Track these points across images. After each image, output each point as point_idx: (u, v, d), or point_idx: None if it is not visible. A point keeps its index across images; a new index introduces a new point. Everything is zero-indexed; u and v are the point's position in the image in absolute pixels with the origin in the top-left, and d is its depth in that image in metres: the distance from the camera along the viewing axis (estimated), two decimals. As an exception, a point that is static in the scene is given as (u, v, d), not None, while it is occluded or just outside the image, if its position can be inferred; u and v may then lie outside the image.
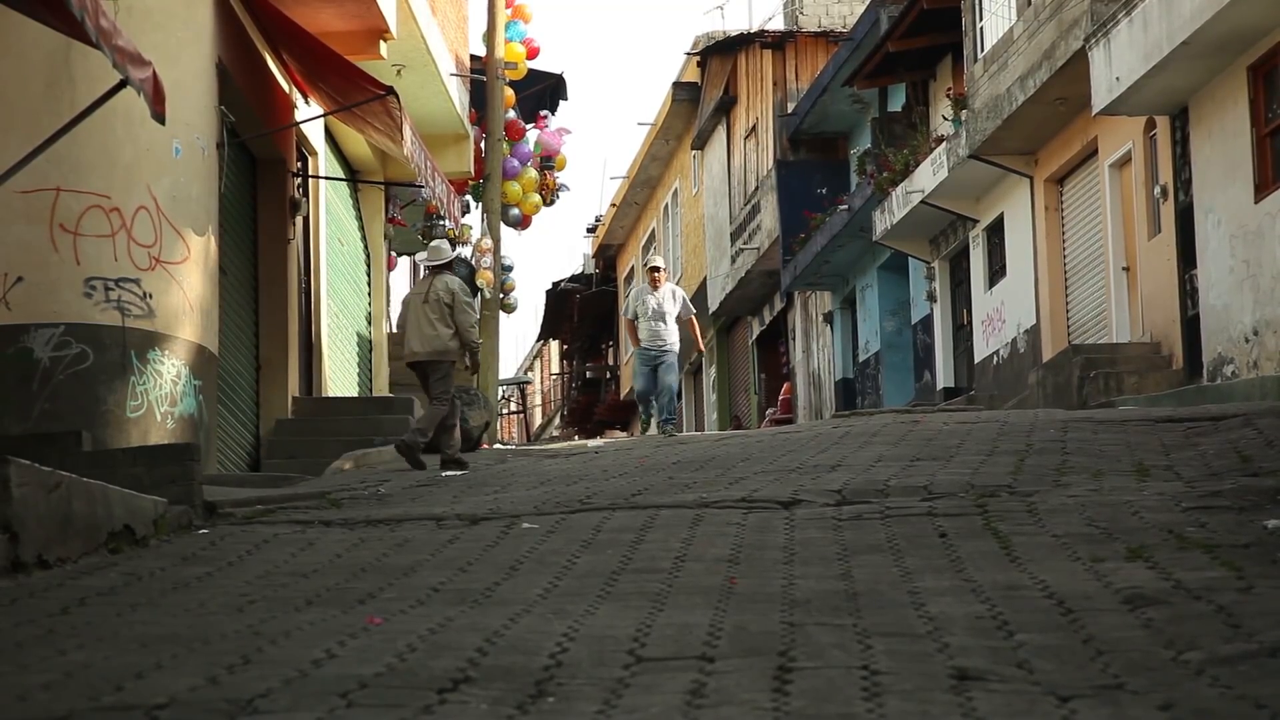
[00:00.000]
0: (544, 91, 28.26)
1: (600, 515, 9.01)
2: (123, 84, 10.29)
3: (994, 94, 23.65)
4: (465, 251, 25.29)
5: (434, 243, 15.90)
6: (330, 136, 20.47)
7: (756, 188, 35.61)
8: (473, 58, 24.86)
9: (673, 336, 18.98)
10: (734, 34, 37.37)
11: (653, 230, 46.31)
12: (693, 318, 19.56)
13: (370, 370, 22.47)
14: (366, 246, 22.79)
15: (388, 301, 23.90)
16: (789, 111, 34.14)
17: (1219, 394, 17.33)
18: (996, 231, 26.17)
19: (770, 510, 8.94)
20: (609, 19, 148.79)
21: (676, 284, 25.47)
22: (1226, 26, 17.57)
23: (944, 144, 25.79)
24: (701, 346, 21.66)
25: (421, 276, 15.98)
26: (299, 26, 16.46)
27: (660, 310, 18.96)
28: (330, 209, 20.33)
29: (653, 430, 19.02)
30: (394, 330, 15.30)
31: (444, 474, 13.42)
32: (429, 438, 14.30)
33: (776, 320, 37.05)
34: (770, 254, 34.37)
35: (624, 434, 47.34)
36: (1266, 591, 5.84)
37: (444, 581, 6.72)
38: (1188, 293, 19.93)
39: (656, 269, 19.56)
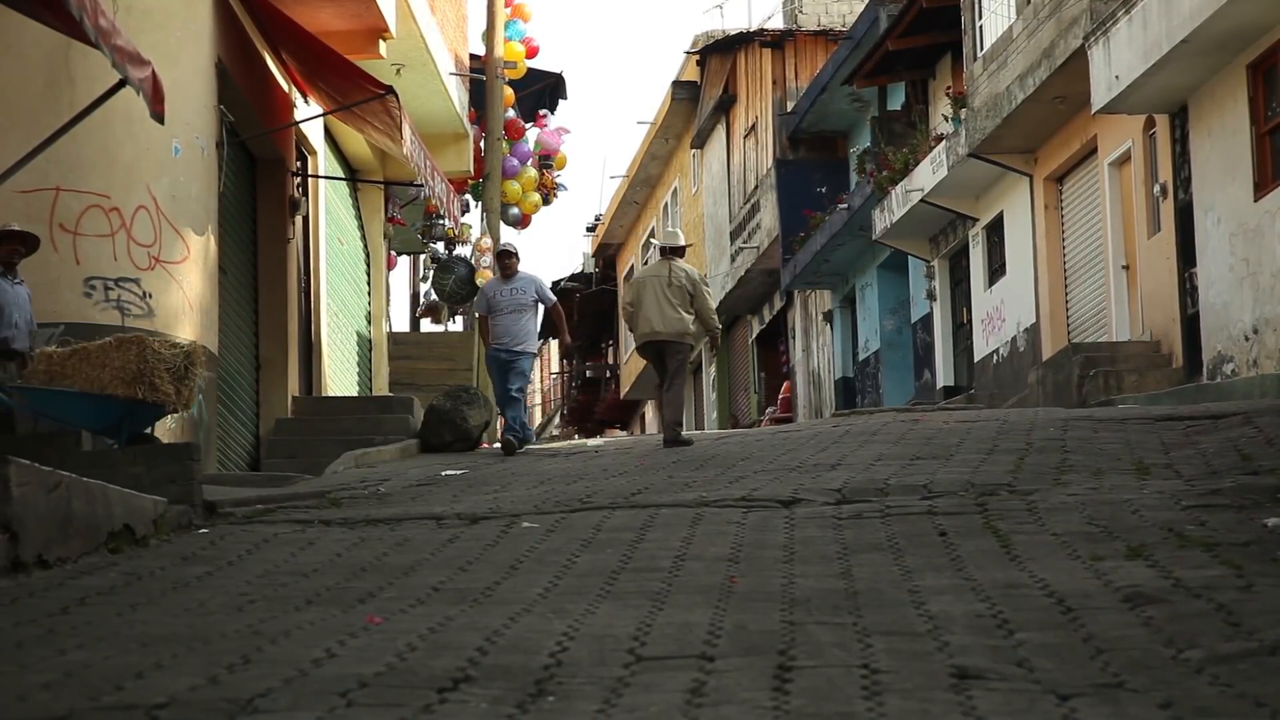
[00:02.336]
0: (543, 90, 28.27)
1: (600, 514, 9.01)
2: (122, 84, 10.30)
3: (993, 92, 23.65)
4: (465, 251, 25.31)
5: (670, 228, 16.45)
6: (330, 136, 20.47)
7: (756, 187, 35.61)
8: (472, 57, 24.87)
9: (530, 334, 16.55)
10: (733, 33, 37.36)
11: (652, 229, 46.32)
12: (556, 306, 17.34)
13: (370, 370, 22.47)
14: (366, 246, 22.80)
15: (388, 301, 23.92)
16: (788, 110, 34.14)
17: (1219, 392, 17.32)
18: (996, 230, 26.17)
19: (770, 509, 8.94)
20: (609, 18, 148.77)
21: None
22: (1226, 24, 17.56)
23: (943, 142, 25.79)
24: (568, 338, 18.56)
25: (652, 260, 16.40)
26: (298, 26, 16.47)
27: (515, 302, 16.42)
28: (330, 208, 20.33)
29: (525, 448, 15.89)
30: (627, 306, 15.45)
31: (668, 447, 14.27)
32: (681, 425, 15.19)
33: (776, 319, 37.06)
34: (770, 253, 34.37)
35: (624, 433, 47.37)
36: (1266, 589, 5.84)
37: (444, 581, 6.72)
38: (1187, 291, 19.93)
39: (508, 254, 16.85)
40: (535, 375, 65.96)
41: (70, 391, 11.51)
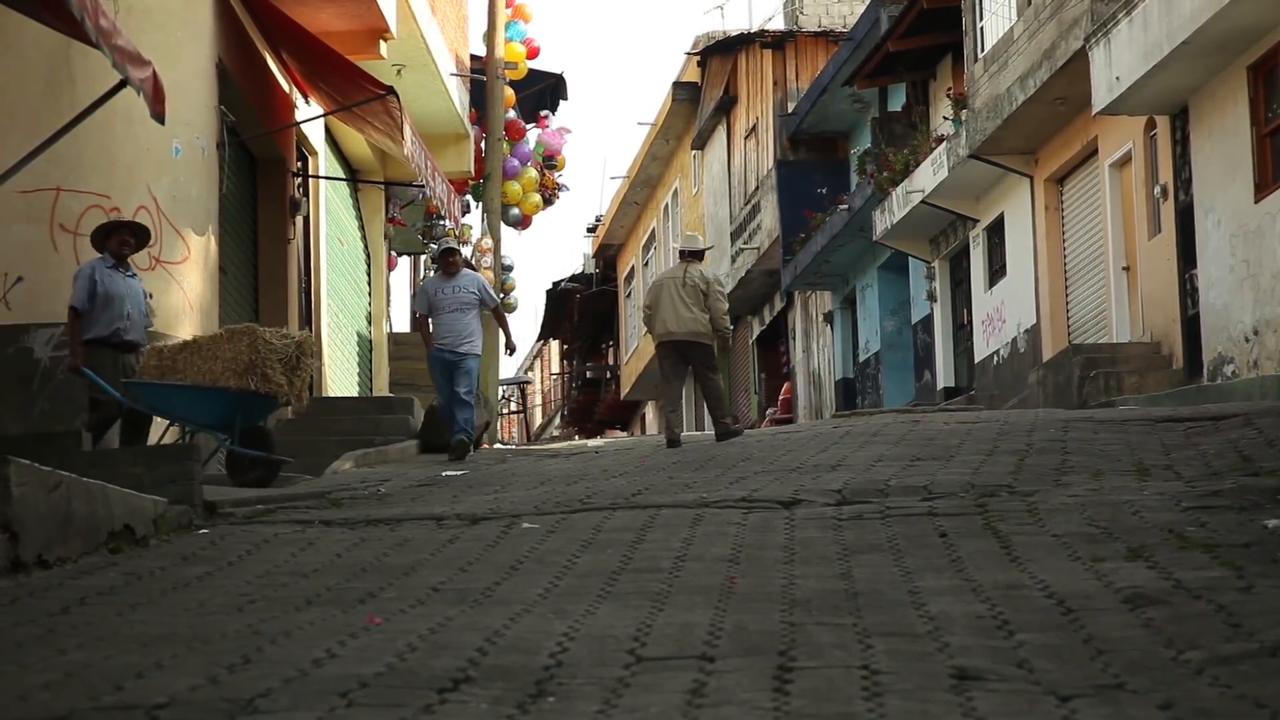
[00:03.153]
0: (544, 91, 28.27)
1: (600, 515, 9.01)
2: (122, 84, 10.30)
3: (994, 93, 23.65)
4: (465, 251, 25.30)
5: (689, 232, 16.51)
6: (330, 136, 20.48)
7: (756, 187, 35.61)
8: (473, 57, 24.87)
9: (474, 333, 15.78)
10: (734, 34, 37.38)
11: (653, 230, 46.33)
12: (498, 308, 16.64)
13: (370, 370, 22.47)
14: (366, 246, 22.80)
15: (388, 301, 23.93)
16: (789, 111, 34.15)
17: (1219, 393, 17.32)
18: (996, 231, 26.17)
19: (770, 510, 8.94)
20: (609, 19, 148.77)
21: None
22: (1226, 26, 17.56)
23: (944, 144, 25.79)
24: (513, 342, 16.93)
25: (675, 262, 16.52)
26: (299, 26, 16.47)
27: (458, 301, 15.69)
28: (330, 209, 20.33)
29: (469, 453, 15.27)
30: (645, 309, 15.76)
31: (721, 442, 14.49)
32: (735, 418, 15.19)
33: (777, 320, 37.07)
34: (770, 254, 34.38)
35: (624, 434, 47.37)
36: (1267, 591, 5.84)
37: (444, 581, 6.72)
38: (1188, 292, 19.93)
39: (452, 251, 16.22)
40: (535, 376, 65.99)
41: (182, 385, 11.26)
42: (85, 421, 12.11)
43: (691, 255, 15.74)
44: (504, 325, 17.10)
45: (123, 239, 12.30)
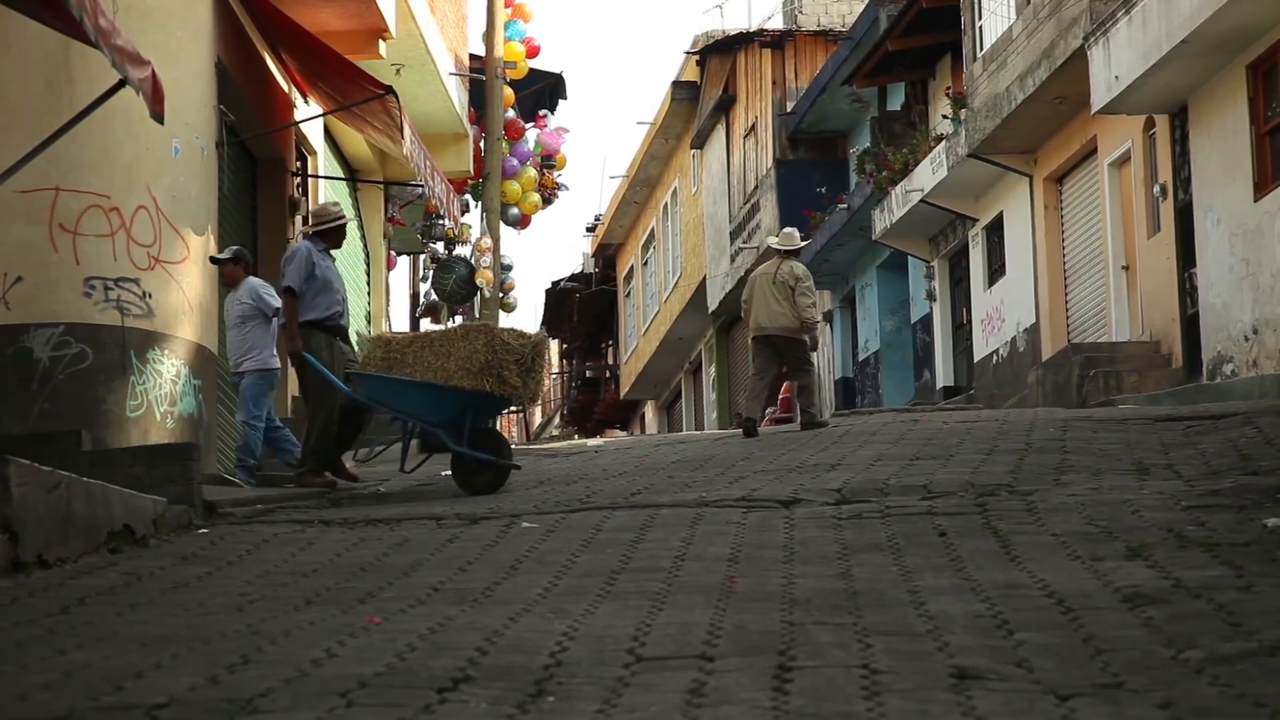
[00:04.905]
0: (543, 91, 28.24)
1: (600, 514, 9.01)
2: (122, 84, 10.29)
3: (993, 93, 23.65)
4: (464, 251, 25.30)
5: (786, 229, 17.09)
6: (330, 136, 20.47)
7: (756, 187, 35.61)
8: (472, 57, 24.85)
9: (253, 347, 13.75)
10: (733, 33, 37.37)
11: (652, 229, 46.32)
12: (278, 312, 13.34)
13: (370, 370, 22.44)
14: (366, 246, 22.80)
15: (387, 301, 23.91)
16: (788, 110, 34.14)
17: (1218, 392, 17.33)
18: (996, 230, 26.18)
19: (770, 509, 8.94)
20: (609, 19, 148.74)
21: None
22: (1226, 25, 17.57)
23: (943, 143, 25.79)
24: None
25: (768, 259, 16.88)
26: (298, 26, 16.46)
27: (232, 314, 13.91)
28: (330, 208, 20.32)
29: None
30: (743, 303, 16.17)
31: (803, 431, 15.09)
32: (818, 408, 16.05)
33: (776, 319, 37.03)
34: (770, 253, 34.35)
35: (624, 433, 47.35)
36: (1266, 590, 5.84)
37: (444, 581, 6.72)
38: (1187, 291, 19.93)
39: (221, 262, 13.99)
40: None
41: (414, 381, 10.88)
42: (302, 470, 11.64)
43: (788, 252, 16.26)
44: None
45: (339, 233, 12.22)
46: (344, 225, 12.43)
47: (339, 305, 11.90)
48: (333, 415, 11.71)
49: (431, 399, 10.92)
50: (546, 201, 26.53)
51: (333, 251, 12.75)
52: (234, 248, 14.44)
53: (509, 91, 25.02)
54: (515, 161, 25.45)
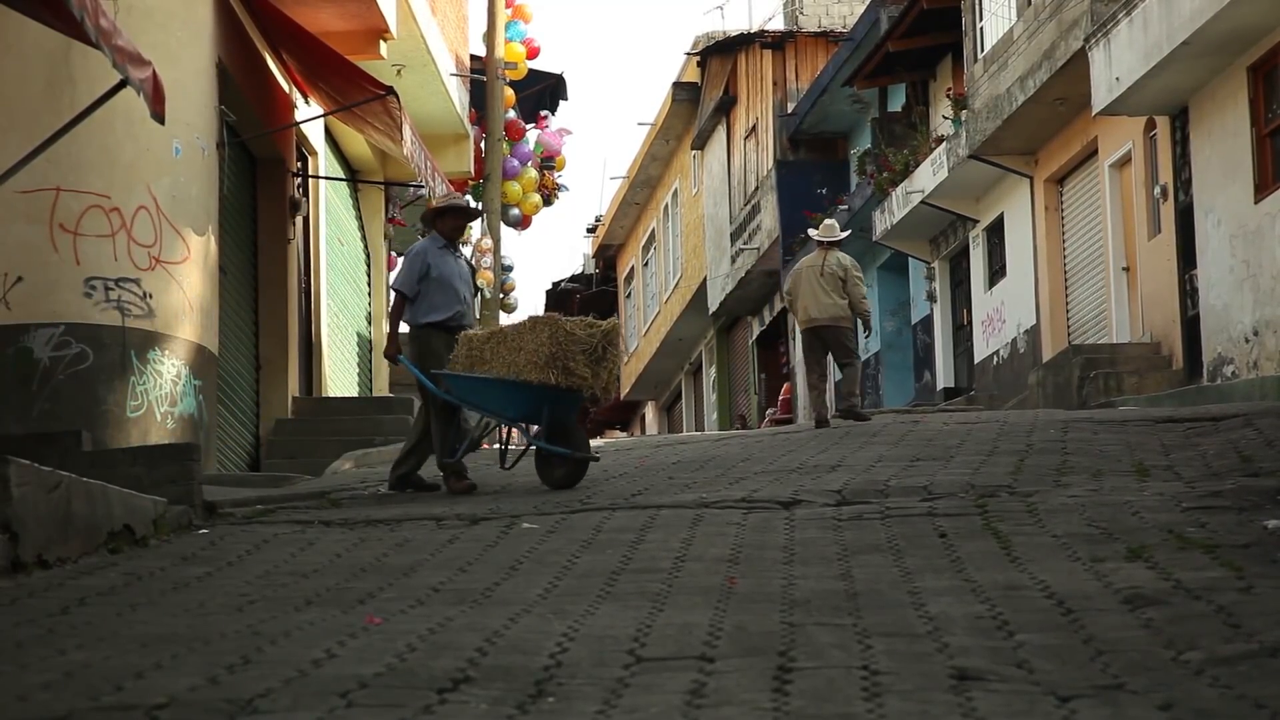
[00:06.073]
0: (544, 91, 28.26)
1: (600, 515, 9.00)
2: (122, 84, 10.29)
3: (994, 94, 23.65)
4: (465, 251, 25.31)
5: (827, 220, 17.15)
6: (330, 136, 20.47)
7: (756, 188, 35.61)
8: (473, 58, 24.86)
9: None
10: (734, 34, 37.38)
11: (653, 230, 46.32)
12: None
13: (370, 370, 22.47)
14: (366, 246, 22.80)
15: (387, 301, 23.89)
16: (789, 111, 34.14)
17: (1219, 394, 17.32)
18: (996, 231, 26.18)
19: (770, 510, 8.93)
20: (609, 19, 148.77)
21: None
22: (1226, 26, 17.57)
23: (944, 144, 25.79)
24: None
25: (814, 250, 16.89)
26: (299, 26, 16.47)
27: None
28: (330, 209, 20.33)
29: None
30: (786, 295, 16.35)
31: (841, 422, 15.40)
32: (859, 398, 16.25)
33: (777, 320, 37.04)
34: (770, 254, 34.36)
35: (624, 434, 47.34)
36: (1266, 591, 5.84)
37: (444, 581, 6.71)
38: (1188, 293, 19.93)
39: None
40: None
41: (488, 378, 10.77)
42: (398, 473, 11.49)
43: (830, 243, 16.40)
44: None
45: (457, 221, 11.85)
46: (456, 210, 12.03)
47: (460, 305, 11.56)
48: (453, 418, 11.51)
49: (505, 394, 10.86)
50: (547, 202, 26.55)
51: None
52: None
53: (510, 92, 25.03)
54: (516, 162, 25.47)
